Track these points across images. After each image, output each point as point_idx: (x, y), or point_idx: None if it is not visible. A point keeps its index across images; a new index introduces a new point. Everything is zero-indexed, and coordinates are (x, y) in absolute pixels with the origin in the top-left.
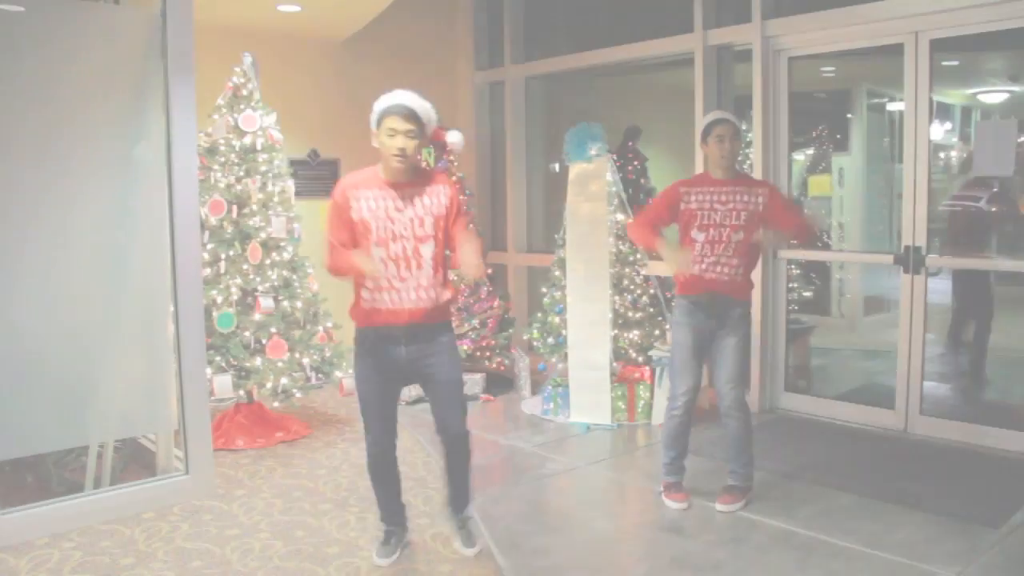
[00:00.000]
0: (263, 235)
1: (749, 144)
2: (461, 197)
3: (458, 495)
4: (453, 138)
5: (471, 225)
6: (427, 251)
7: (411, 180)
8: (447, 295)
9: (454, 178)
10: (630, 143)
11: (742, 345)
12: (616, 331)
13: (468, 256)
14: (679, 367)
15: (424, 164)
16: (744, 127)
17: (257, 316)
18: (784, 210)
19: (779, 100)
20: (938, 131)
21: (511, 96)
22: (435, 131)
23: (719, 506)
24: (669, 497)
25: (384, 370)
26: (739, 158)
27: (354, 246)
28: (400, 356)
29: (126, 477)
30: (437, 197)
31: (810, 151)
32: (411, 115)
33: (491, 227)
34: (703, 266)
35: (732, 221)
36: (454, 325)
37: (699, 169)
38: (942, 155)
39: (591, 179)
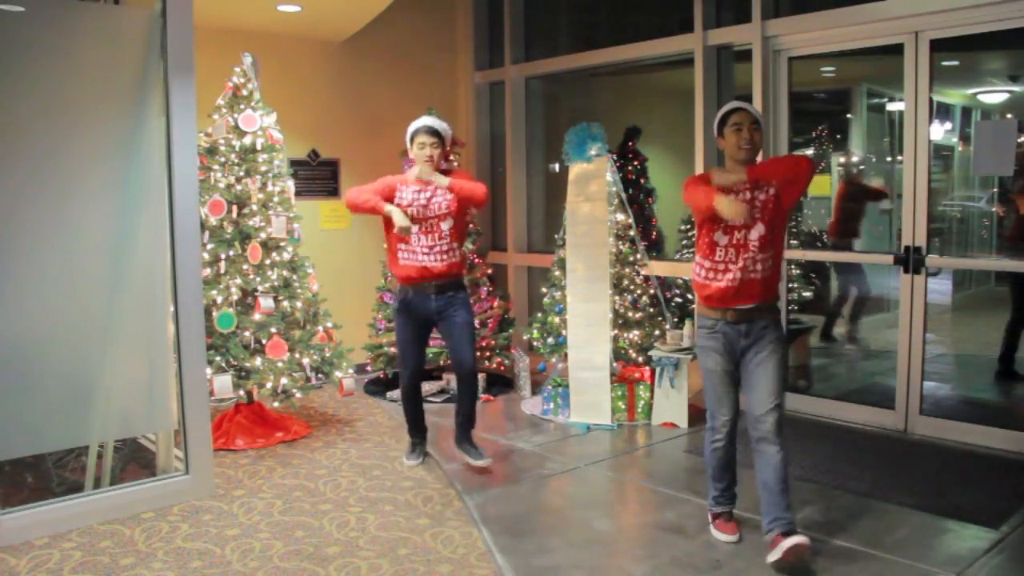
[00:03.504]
0: (263, 235)
1: None
2: (456, 183)
3: (466, 421)
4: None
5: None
6: (446, 226)
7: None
8: (460, 262)
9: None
10: (630, 143)
11: (777, 359)
12: (616, 331)
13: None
14: (713, 396)
15: (444, 167)
16: None
17: (257, 316)
18: (783, 171)
19: (779, 100)
20: (938, 131)
21: (511, 96)
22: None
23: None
24: (720, 528)
25: (418, 317)
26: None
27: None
28: (431, 306)
29: (126, 477)
30: (447, 197)
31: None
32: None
33: (491, 227)
34: (733, 274)
35: (756, 216)
36: None
37: (699, 169)
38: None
39: (591, 179)
